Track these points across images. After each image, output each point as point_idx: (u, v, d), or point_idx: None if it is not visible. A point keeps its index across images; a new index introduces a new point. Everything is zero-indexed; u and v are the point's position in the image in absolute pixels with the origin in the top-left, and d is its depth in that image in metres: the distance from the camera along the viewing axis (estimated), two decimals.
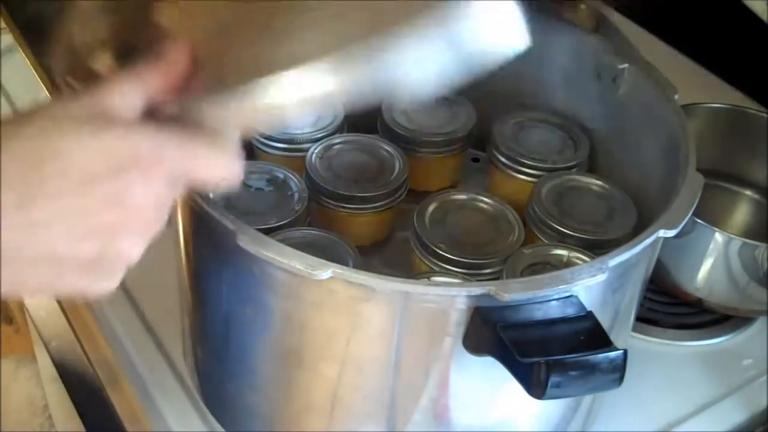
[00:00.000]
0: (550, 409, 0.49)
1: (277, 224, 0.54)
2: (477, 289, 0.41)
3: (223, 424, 0.56)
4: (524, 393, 0.39)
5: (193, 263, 0.51)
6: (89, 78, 0.43)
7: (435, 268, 0.53)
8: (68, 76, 0.46)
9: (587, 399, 0.51)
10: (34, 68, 0.78)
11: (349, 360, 0.45)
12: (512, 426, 0.49)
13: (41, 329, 0.67)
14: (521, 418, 0.49)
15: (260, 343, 0.49)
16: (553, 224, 0.55)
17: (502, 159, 0.62)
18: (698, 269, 0.62)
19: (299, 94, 0.33)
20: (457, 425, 0.48)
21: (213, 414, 0.56)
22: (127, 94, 0.34)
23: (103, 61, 0.45)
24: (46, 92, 0.77)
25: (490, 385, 0.46)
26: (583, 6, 0.91)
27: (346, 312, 0.43)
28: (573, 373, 0.38)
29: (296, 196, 0.56)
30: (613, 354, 0.39)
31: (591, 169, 0.62)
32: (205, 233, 0.47)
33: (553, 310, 0.41)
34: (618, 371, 0.39)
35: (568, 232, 0.55)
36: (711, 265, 0.61)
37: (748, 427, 0.60)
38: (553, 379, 0.38)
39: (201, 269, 0.51)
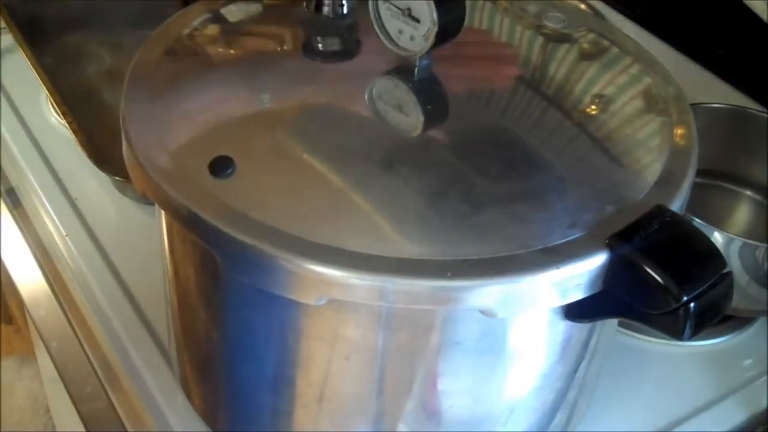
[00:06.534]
0: (529, 405, 0.49)
1: None
2: None
3: (210, 425, 0.56)
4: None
5: (176, 271, 0.51)
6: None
7: None
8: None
9: (571, 395, 0.51)
10: (34, 68, 0.78)
11: (336, 356, 0.45)
12: (492, 425, 0.49)
13: (41, 329, 0.67)
14: (501, 415, 0.49)
15: (243, 345, 0.49)
16: None
17: None
18: None
19: None
20: (442, 425, 0.48)
21: (199, 413, 0.56)
22: None
23: None
24: (46, 93, 0.77)
25: (475, 382, 0.46)
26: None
27: (332, 313, 0.43)
28: None
29: None
30: None
31: None
32: (189, 249, 0.47)
33: None
34: None
35: None
36: None
37: (748, 427, 0.60)
38: None
39: (183, 279, 0.51)
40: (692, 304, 0.38)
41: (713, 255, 0.40)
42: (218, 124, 0.47)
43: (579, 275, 0.40)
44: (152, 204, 0.45)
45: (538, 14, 0.56)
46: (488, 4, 0.57)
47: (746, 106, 0.75)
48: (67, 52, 0.86)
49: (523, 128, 0.49)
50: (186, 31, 0.53)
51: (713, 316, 0.40)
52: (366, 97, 0.49)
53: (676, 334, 0.39)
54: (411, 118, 0.49)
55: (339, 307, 0.42)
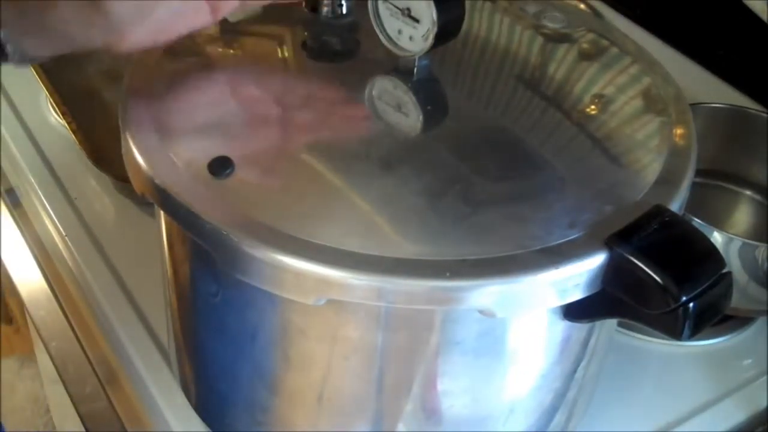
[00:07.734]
0: (528, 405, 0.49)
1: None
2: None
3: (209, 425, 0.56)
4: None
5: (175, 272, 0.51)
6: None
7: None
8: None
9: (571, 395, 0.51)
10: (34, 68, 0.78)
11: (336, 357, 0.45)
12: (491, 425, 0.49)
13: (41, 329, 0.67)
14: (501, 415, 0.49)
15: (243, 346, 0.49)
16: None
17: None
18: None
19: None
20: (442, 425, 0.48)
21: (198, 413, 0.56)
22: None
23: None
24: (46, 93, 0.77)
25: (473, 382, 0.46)
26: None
27: (331, 314, 0.43)
28: None
29: None
30: None
31: None
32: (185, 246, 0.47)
33: None
34: None
35: None
36: None
37: (748, 427, 0.60)
38: None
39: (182, 279, 0.51)
40: (691, 304, 0.38)
41: (712, 255, 0.40)
42: (217, 124, 0.47)
43: (578, 275, 0.40)
44: (151, 204, 0.45)
45: (538, 14, 0.56)
46: (488, 4, 0.57)
47: (746, 106, 0.75)
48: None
49: (522, 128, 0.49)
50: None
51: (712, 316, 0.40)
52: (365, 97, 0.49)
53: (675, 334, 0.39)
54: (410, 118, 0.49)
55: (338, 308, 0.42)
